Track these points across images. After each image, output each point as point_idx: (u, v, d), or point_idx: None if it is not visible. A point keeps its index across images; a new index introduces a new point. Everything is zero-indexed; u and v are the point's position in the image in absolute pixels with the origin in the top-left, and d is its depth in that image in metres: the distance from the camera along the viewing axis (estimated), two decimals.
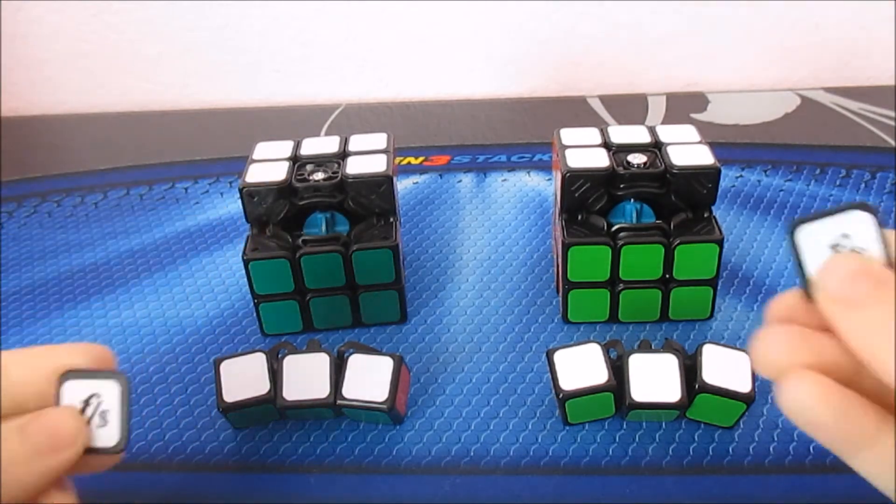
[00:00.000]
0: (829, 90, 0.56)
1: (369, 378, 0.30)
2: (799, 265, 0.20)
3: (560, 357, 0.30)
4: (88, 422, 0.22)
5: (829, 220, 0.20)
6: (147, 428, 0.31)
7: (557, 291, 0.37)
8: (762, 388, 0.29)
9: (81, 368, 0.22)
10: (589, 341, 0.31)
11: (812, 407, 0.19)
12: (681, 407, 0.29)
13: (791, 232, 0.20)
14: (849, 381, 0.19)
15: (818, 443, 0.19)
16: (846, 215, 0.19)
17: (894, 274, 0.19)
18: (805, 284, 0.20)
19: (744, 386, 0.28)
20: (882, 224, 0.19)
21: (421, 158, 0.50)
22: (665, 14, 0.56)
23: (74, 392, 0.22)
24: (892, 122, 0.51)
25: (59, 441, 0.21)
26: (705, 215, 0.33)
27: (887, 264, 0.19)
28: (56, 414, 0.22)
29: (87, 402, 0.22)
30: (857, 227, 0.19)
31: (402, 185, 0.47)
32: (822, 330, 0.19)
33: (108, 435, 0.22)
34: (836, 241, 0.19)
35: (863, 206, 0.19)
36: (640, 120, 0.53)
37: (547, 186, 0.46)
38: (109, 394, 0.22)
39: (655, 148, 0.34)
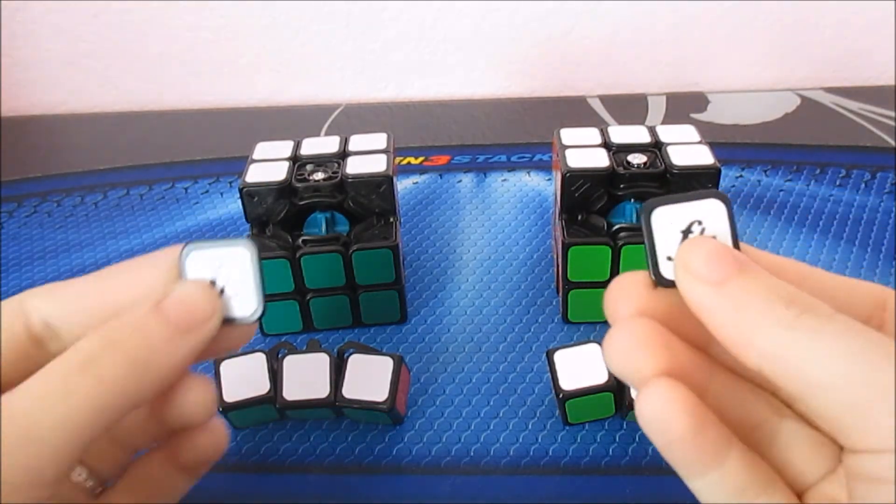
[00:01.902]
0: (829, 90, 0.56)
1: (369, 378, 0.30)
2: (650, 247, 0.19)
3: (560, 357, 0.30)
4: (221, 293, 0.21)
5: (684, 205, 0.19)
6: None
7: (557, 291, 0.37)
8: None
9: (203, 241, 0.21)
10: (589, 341, 0.31)
11: (669, 419, 0.17)
12: None
13: (647, 213, 0.19)
14: (701, 392, 0.18)
15: (664, 458, 0.18)
16: (701, 203, 0.19)
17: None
18: (654, 269, 0.19)
19: None
20: (734, 216, 0.19)
21: (421, 158, 0.50)
22: (665, 14, 0.56)
23: (199, 265, 0.21)
24: (892, 122, 0.51)
25: (198, 316, 0.20)
26: None
27: None
28: (189, 287, 0.20)
29: (216, 272, 0.21)
30: (711, 215, 0.19)
31: (402, 185, 0.47)
32: (666, 324, 0.19)
33: (243, 304, 0.21)
34: (687, 226, 0.19)
35: (718, 195, 0.19)
36: (640, 120, 0.53)
37: (547, 186, 0.46)
38: (238, 261, 0.21)
39: (655, 148, 0.34)
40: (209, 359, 0.22)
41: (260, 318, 0.21)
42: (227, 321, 0.21)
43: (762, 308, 0.17)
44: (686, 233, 0.19)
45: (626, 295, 0.19)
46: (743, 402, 0.19)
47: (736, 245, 0.19)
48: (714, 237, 0.19)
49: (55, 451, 0.17)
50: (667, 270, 0.19)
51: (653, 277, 0.19)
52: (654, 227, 0.19)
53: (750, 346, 0.17)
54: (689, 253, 0.19)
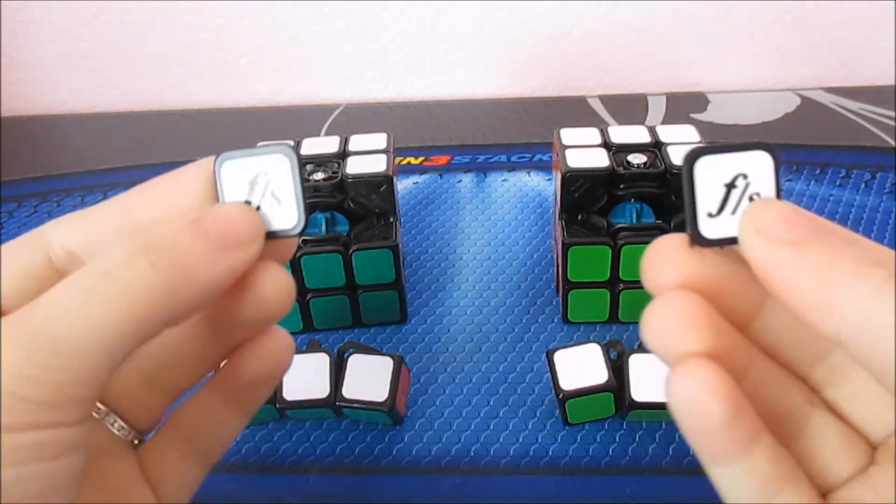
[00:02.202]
0: (829, 90, 0.56)
1: (369, 378, 0.30)
2: (690, 201, 0.18)
3: (560, 357, 0.30)
4: (259, 207, 0.19)
5: (728, 156, 0.18)
6: None
7: (557, 291, 0.37)
8: None
9: (237, 150, 0.20)
10: (589, 341, 0.31)
11: (705, 404, 0.16)
12: None
13: (689, 162, 0.18)
14: (739, 377, 0.17)
15: (690, 444, 0.17)
16: (746, 155, 0.18)
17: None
18: (693, 225, 0.18)
19: None
20: (780, 172, 0.18)
21: (421, 158, 0.50)
22: (665, 14, 0.56)
23: (235, 176, 0.20)
24: (892, 122, 0.51)
25: (240, 236, 0.18)
26: None
27: None
28: (228, 208, 0.19)
29: (254, 183, 0.19)
30: (756, 168, 0.18)
31: (402, 185, 0.47)
32: (708, 297, 0.17)
33: (284, 216, 0.19)
34: (732, 179, 0.18)
35: (765, 147, 0.18)
36: (640, 120, 0.53)
37: (547, 186, 0.46)
38: (278, 170, 0.19)
39: (655, 148, 0.34)
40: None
41: (302, 232, 0.20)
42: (268, 235, 0.19)
43: (849, 271, 0.15)
44: (730, 187, 0.18)
45: (669, 261, 0.18)
46: (777, 388, 0.18)
47: (779, 197, 0.18)
48: (758, 194, 0.18)
49: (80, 364, 0.16)
50: (707, 228, 0.18)
51: (690, 234, 0.18)
52: (697, 179, 0.18)
53: (831, 313, 0.15)
54: (761, 210, 0.17)
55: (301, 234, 0.20)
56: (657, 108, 0.55)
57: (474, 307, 0.37)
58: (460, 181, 0.47)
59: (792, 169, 0.47)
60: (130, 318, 0.16)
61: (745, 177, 0.18)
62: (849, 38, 0.57)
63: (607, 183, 0.33)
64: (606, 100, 0.57)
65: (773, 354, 0.19)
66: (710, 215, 0.18)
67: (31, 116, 0.60)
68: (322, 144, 0.36)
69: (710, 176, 0.18)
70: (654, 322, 0.17)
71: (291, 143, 0.20)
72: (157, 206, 0.19)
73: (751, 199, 0.18)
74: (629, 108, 0.55)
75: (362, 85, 0.60)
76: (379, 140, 0.36)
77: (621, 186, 0.33)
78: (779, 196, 0.18)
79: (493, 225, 0.43)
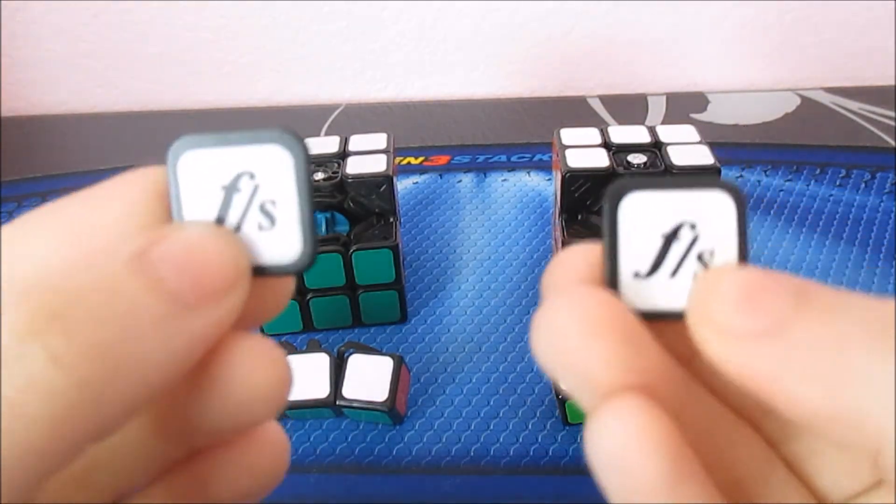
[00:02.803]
0: (829, 90, 0.56)
1: (369, 378, 0.30)
2: (610, 253, 0.13)
3: None
4: (238, 227, 0.13)
5: (672, 194, 0.13)
6: None
7: None
8: None
9: (206, 135, 0.13)
10: None
11: (639, 461, 0.11)
12: None
13: (613, 199, 0.13)
14: (674, 416, 0.12)
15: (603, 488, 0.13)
16: (699, 195, 0.13)
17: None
18: (612, 275, 0.13)
19: None
20: (745, 219, 0.13)
21: (421, 158, 0.50)
22: (665, 14, 0.56)
23: (202, 177, 0.13)
24: (892, 122, 0.51)
25: (211, 282, 0.12)
26: None
27: None
28: (193, 233, 0.12)
29: (231, 189, 0.13)
30: (711, 215, 0.13)
31: (402, 185, 0.47)
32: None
33: (279, 243, 0.13)
34: (673, 228, 0.13)
35: (726, 187, 0.13)
36: (640, 120, 0.53)
37: (547, 186, 0.46)
38: (273, 171, 0.13)
39: (655, 148, 0.34)
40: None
41: (309, 266, 0.13)
42: (256, 272, 0.13)
43: (855, 366, 0.11)
44: (670, 239, 0.13)
45: (578, 262, 0.13)
46: (728, 439, 0.14)
47: (743, 260, 0.13)
48: (711, 252, 0.13)
49: None
50: (632, 294, 0.13)
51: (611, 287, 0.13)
52: (622, 224, 0.13)
53: (826, 411, 0.11)
54: (713, 290, 0.12)
55: (306, 270, 0.13)
56: (657, 108, 0.55)
57: (474, 307, 0.37)
58: (460, 181, 0.47)
59: (792, 169, 0.47)
60: (28, 453, 0.10)
61: (692, 226, 0.13)
62: (849, 38, 0.57)
63: (607, 183, 0.33)
64: (606, 100, 0.57)
65: (717, 394, 0.15)
66: (638, 276, 0.13)
67: (31, 116, 0.60)
68: (322, 144, 0.36)
69: (641, 221, 0.13)
70: (548, 326, 0.13)
71: (290, 135, 0.13)
72: (79, 227, 0.13)
73: (700, 259, 0.13)
74: (629, 108, 0.55)
75: (362, 85, 0.60)
76: (379, 140, 0.36)
77: None
78: (743, 256, 0.13)
79: (493, 225, 0.43)
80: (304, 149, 0.13)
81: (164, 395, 0.13)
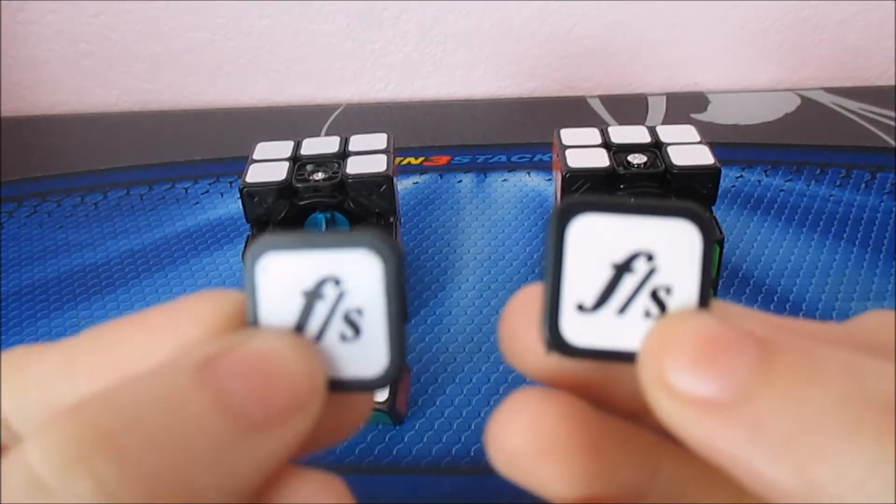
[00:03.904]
0: (829, 90, 0.56)
1: None
2: (552, 282, 0.12)
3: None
4: (319, 337, 0.12)
5: (628, 219, 0.11)
6: None
7: None
8: None
9: (287, 235, 0.12)
10: None
11: None
12: None
13: (559, 220, 0.11)
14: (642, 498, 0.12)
15: None
16: (659, 223, 0.11)
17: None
18: (549, 321, 0.12)
19: None
20: (710, 254, 0.11)
21: (421, 158, 0.50)
22: (665, 14, 0.56)
23: (282, 281, 0.12)
24: (892, 122, 0.51)
25: (285, 399, 0.11)
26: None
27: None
28: (268, 343, 0.11)
29: (314, 296, 0.12)
30: (671, 246, 0.11)
31: (402, 185, 0.47)
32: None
33: (363, 355, 0.12)
34: (625, 259, 0.11)
35: (692, 215, 0.11)
36: (640, 120, 0.53)
37: (547, 186, 0.46)
38: (362, 278, 0.12)
39: (655, 148, 0.34)
40: (312, 451, 0.12)
41: (395, 381, 0.13)
42: (334, 386, 0.12)
43: (816, 437, 0.10)
44: (621, 270, 0.11)
45: (532, 332, 0.12)
46: (697, 493, 0.13)
47: (704, 303, 0.12)
48: (668, 289, 0.11)
49: None
50: (574, 329, 0.12)
51: (546, 336, 0.12)
52: (569, 248, 0.11)
53: (793, 492, 0.10)
54: (669, 344, 0.11)
55: (390, 385, 0.13)
56: (657, 108, 0.55)
57: (474, 307, 0.37)
58: (460, 181, 0.47)
59: (792, 169, 0.47)
60: None
61: (649, 257, 0.11)
62: (849, 38, 0.57)
63: (607, 183, 0.33)
64: (606, 100, 0.57)
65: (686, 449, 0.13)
66: (582, 308, 0.12)
67: (31, 116, 0.60)
68: (322, 144, 0.36)
69: (591, 247, 0.11)
70: (500, 444, 0.12)
71: (381, 239, 0.12)
72: (145, 348, 0.12)
73: (654, 296, 0.12)
74: (629, 108, 0.55)
75: (362, 85, 0.60)
76: (379, 140, 0.36)
77: (621, 186, 0.33)
78: (704, 299, 0.11)
79: (493, 225, 0.43)
80: (397, 255, 0.12)
81: None
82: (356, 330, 0.12)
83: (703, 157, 0.33)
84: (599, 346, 0.12)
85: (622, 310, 0.12)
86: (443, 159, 0.50)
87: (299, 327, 0.12)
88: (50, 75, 0.60)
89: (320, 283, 0.12)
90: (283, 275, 0.12)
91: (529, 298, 0.12)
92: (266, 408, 0.10)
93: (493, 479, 0.28)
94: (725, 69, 0.59)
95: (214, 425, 0.10)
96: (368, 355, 0.12)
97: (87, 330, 0.12)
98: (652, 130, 0.35)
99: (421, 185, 0.47)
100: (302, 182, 0.33)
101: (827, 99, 0.55)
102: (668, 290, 0.11)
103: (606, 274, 0.11)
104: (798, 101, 0.55)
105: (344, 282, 0.12)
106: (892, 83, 0.57)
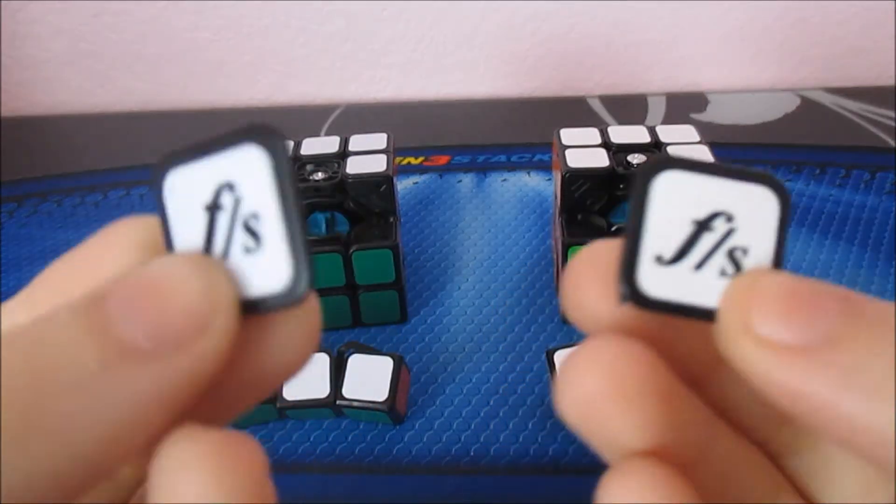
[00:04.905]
0: (829, 90, 0.56)
1: (369, 378, 0.30)
2: (633, 233, 0.12)
3: (560, 357, 0.30)
4: (226, 253, 0.11)
5: (711, 180, 0.12)
6: None
7: (557, 292, 0.37)
8: None
9: (189, 147, 0.11)
10: None
11: None
12: None
13: (647, 174, 0.12)
14: (699, 462, 0.12)
15: None
16: (741, 186, 0.12)
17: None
18: (626, 270, 0.12)
19: None
20: (787, 222, 0.12)
21: (421, 158, 0.50)
22: (665, 14, 0.56)
23: (189, 197, 0.11)
24: (892, 122, 0.51)
25: (168, 324, 0.10)
26: None
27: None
28: (149, 269, 0.10)
29: (214, 207, 0.11)
30: (751, 209, 0.12)
31: (402, 185, 0.47)
32: (651, 334, 0.12)
33: (266, 266, 0.11)
34: (707, 216, 0.12)
35: (772, 183, 0.12)
36: (640, 120, 0.53)
37: (547, 186, 0.46)
38: (252, 178, 0.11)
39: (655, 148, 0.34)
40: (253, 399, 0.12)
41: (305, 294, 0.10)
42: (248, 308, 0.11)
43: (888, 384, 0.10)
44: (702, 227, 0.12)
45: (597, 282, 0.12)
46: (744, 474, 0.13)
47: (778, 266, 0.12)
48: (745, 250, 0.12)
49: None
50: (652, 280, 0.12)
51: (621, 288, 0.12)
52: (652, 200, 0.12)
53: (871, 437, 0.10)
54: (753, 294, 0.11)
55: (300, 301, 0.11)
56: (657, 108, 0.55)
57: (474, 307, 0.37)
58: (460, 181, 0.47)
59: (792, 169, 0.47)
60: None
61: (729, 218, 0.12)
62: (849, 38, 0.57)
63: (607, 183, 0.33)
64: (606, 100, 0.57)
65: (728, 417, 0.14)
66: (661, 260, 0.12)
67: (31, 116, 0.60)
68: (322, 144, 0.36)
69: (674, 201, 0.12)
70: (574, 389, 0.11)
71: (268, 133, 0.11)
72: (74, 281, 0.12)
73: (731, 255, 0.12)
74: (629, 108, 0.55)
75: (362, 85, 0.60)
76: (379, 140, 0.36)
77: (621, 186, 0.33)
78: (778, 262, 0.12)
79: (493, 225, 0.43)
80: (281, 144, 0.11)
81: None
82: (257, 239, 0.11)
83: (702, 157, 0.33)
84: (675, 299, 0.12)
85: (699, 266, 0.12)
86: (443, 159, 0.50)
87: (207, 246, 0.11)
88: (50, 75, 0.60)
89: (217, 193, 0.11)
90: (185, 191, 0.11)
91: (598, 252, 0.12)
92: (155, 333, 0.10)
93: (494, 479, 0.29)
94: (725, 69, 0.59)
95: (87, 357, 0.10)
96: (272, 266, 0.10)
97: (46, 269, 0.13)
98: (652, 130, 0.35)
99: (421, 185, 0.47)
100: (302, 182, 0.33)
101: (827, 99, 0.55)
102: (745, 252, 0.12)
103: (687, 230, 0.12)
104: (798, 101, 0.55)
105: (237, 186, 0.11)
106: (892, 83, 0.57)
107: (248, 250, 0.11)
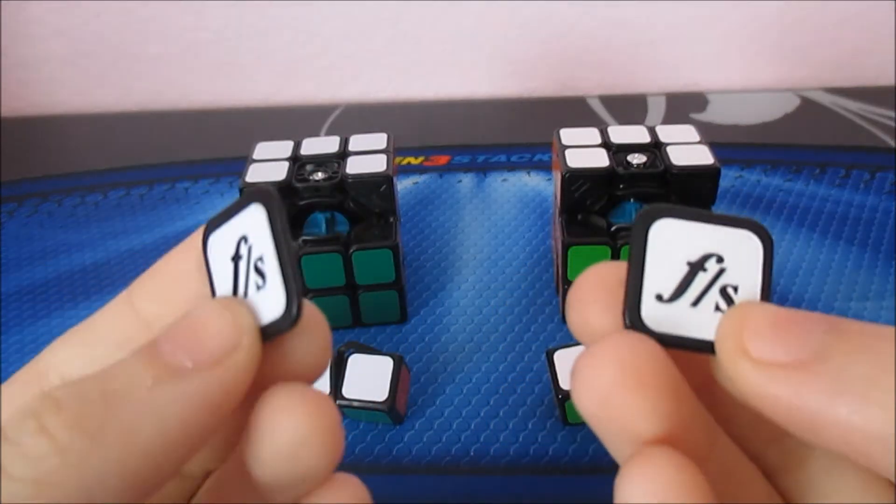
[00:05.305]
0: (829, 90, 0.56)
1: (369, 378, 0.30)
2: (636, 273, 0.13)
3: (560, 357, 0.30)
4: (246, 292, 0.14)
5: (701, 226, 0.13)
6: None
7: (557, 291, 0.37)
8: None
9: (223, 211, 0.14)
10: None
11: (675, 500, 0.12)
12: None
13: (644, 222, 0.13)
14: (702, 463, 0.13)
15: None
16: (727, 231, 0.13)
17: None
18: (632, 306, 0.13)
19: None
20: (771, 263, 0.13)
21: (421, 158, 0.50)
22: (665, 14, 0.56)
23: (223, 252, 0.14)
24: (892, 122, 0.51)
25: (203, 348, 0.13)
26: None
27: None
28: (190, 313, 0.13)
29: (237, 258, 0.14)
30: (738, 252, 0.13)
31: (402, 185, 0.47)
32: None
33: (269, 299, 0.13)
34: (699, 258, 0.13)
35: (755, 228, 0.13)
36: (640, 120, 0.53)
37: (547, 186, 0.46)
38: (257, 230, 0.13)
39: (655, 148, 0.34)
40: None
41: (296, 319, 0.13)
42: (266, 333, 0.13)
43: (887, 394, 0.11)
44: (695, 268, 0.13)
45: (608, 294, 0.14)
46: (738, 480, 0.14)
47: (766, 300, 0.14)
48: (735, 288, 0.13)
49: None
50: (653, 316, 0.13)
51: (629, 321, 0.13)
52: (651, 246, 0.13)
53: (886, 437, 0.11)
54: (745, 320, 0.13)
55: (294, 324, 0.13)
56: (657, 108, 0.55)
57: (474, 307, 0.37)
58: (460, 181, 0.47)
59: (792, 169, 0.47)
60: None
61: (719, 259, 0.13)
62: (849, 38, 0.57)
63: (607, 183, 0.33)
64: (606, 100, 0.57)
65: (732, 428, 0.15)
66: (661, 299, 0.13)
67: (31, 116, 0.60)
68: (322, 144, 0.36)
69: (669, 246, 0.13)
70: (594, 382, 0.13)
71: (266, 191, 0.14)
72: (160, 303, 0.15)
73: (723, 293, 0.13)
74: (629, 108, 0.55)
75: (362, 85, 0.60)
76: (379, 140, 0.36)
77: (621, 186, 0.33)
78: (766, 297, 0.13)
79: (493, 225, 0.43)
80: (275, 201, 0.13)
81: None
82: (263, 277, 0.13)
83: (702, 156, 0.33)
84: (676, 333, 0.13)
85: (696, 303, 0.13)
86: (443, 159, 0.50)
87: (235, 289, 0.14)
88: (50, 75, 0.60)
89: (238, 246, 0.14)
90: (218, 249, 0.14)
91: (601, 272, 0.14)
92: (193, 356, 0.13)
93: (494, 479, 0.29)
94: (725, 69, 0.59)
95: (144, 377, 0.13)
96: (273, 298, 0.13)
97: (121, 295, 0.16)
98: (651, 130, 0.35)
99: (421, 185, 0.47)
100: (302, 182, 0.33)
101: (827, 99, 0.55)
102: (735, 289, 0.13)
103: (682, 270, 0.13)
104: (798, 101, 0.55)
105: (249, 237, 0.14)
106: (892, 83, 0.57)
107: (258, 287, 0.13)
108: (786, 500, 0.15)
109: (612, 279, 0.14)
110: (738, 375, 0.12)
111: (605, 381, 0.12)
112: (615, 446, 0.13)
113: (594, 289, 0.14)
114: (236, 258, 0.14)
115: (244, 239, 0.14)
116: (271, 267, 0.13)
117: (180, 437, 0.12)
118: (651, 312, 0.13)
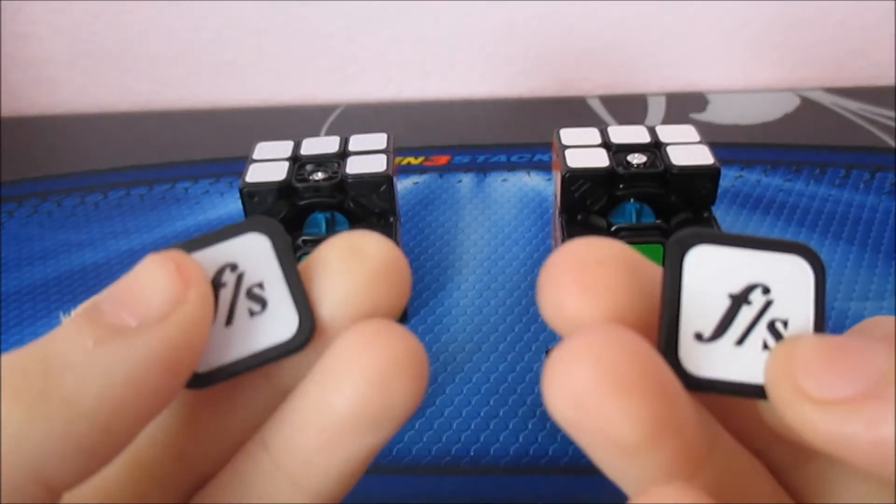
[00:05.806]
0: (829, 90, 0.56)
1: None
2: (670, 310, 0.12)
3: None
4: (230, 320, 0.13)
5: (741, 252, 0.12)
6: None
7: None
8: None
9: (200, 236, 0.14)
10: None
11: None
12: None
13: (677, 250, 0.12)
14: (700, 465, 0.12)
15: None
16: (773, 257, 0.12)
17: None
18: (668, 348, 0.12)
19: None
20: (823, 290, 0.12)
21: (421, 158, 0.50)
22: (664, 14, 0.56)
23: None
24: (892, 122, 0.51)
25: (145, 304, 0.12)
26: (705, 215, 0.33)
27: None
28: (133, 272, 0.13)
29: (218, 282, 0.13)
30: (786, 280, 0.12)
31: (402, 185, 0.47)
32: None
33: (275, 322, 0.13)
34: (742, 290, 0.12)
35: (805, 252, 0.12)
36: (640, 120, 0.53)
37: (547, 186, 0.46)
38: (255, 258, 0.13)
39: (655, 148, 0.34)
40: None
41: (309, 339, 0.13)
42: (267, 356, 0.13)
43: None
44: (738, 301, 0.12)
45: (585, 275, 0.12)
46: (742, 481, 0.13)
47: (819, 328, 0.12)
48: (785, 322, 0.12)
49: None
50: (693, 359, 0.12)
51: (664, 344, 0.12)
52: (687, 277, 0.12)
53: None
54: (800, 358, 0.11)
55: (305, 344, 0.13)
56: (657, 108, 0.55)
57: (474, 307, 0.37)
58: (460, 181, 0.47)
59: (792, 169, 0.47)
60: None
61: (765, 290, 0.12)
62: (849, 38, 0.57)
63: (607, 183, 0.33)
64: (606, 100, 0.57)
65: (732, 428, 0.14)
66: (700, 338, 0.12)
67: (31, 116, 0.60)
68: (322, 144, 0.36)
69: (708, 277, 0.12)
70: (565, 381, 0.11)
71: (266, 220, 0.14)
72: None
73: (771, 328, 0.12)
74: (629, 108, 0.55)
75: (362, 85, 0.60)
76: (379, 140, 0.36)
77: (621, 186, 0.33)
78: (819, 330, 0.12)
79: (493, 225, 0.43)
80: (279, 229, 0.14)
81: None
82: (262, 303, 0.13)
83: (702, 156, 0.33)
84: (721, 377, 0.12)
85: (741, 341, 0.12)
86: (443, 159, 0.50)
87: (214, 316, 0.13)
88: (50, 75, 0.60)
89: (220, 272, 0.13)
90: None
91: (578, 249, 0.12)
92: (137, 314, 0.12)
93: (494, 479, 0.29)
94: (725, 69, 0.59)
95: (84, 339, 0.12)
96: (280, 320, 0.13)
97: None
98: (651, 130, 0.35)
99: (421, 185, 0.47)
100: (302, 182, 0.33)
101: (827, 99, 0.55)
102: (785, 324, 0.12)
103: (724, 304, 0.12)
104: (798, 101, 0.55)
105: (240, 265, 0.13)
106: (892, 83, 0.57)
107: (251, 313, 0.13)
108: (794, 498, 0.14)
109: (589, 257, 0.12)
110: (801, 420, 0.11)
111: (579, 383, 0.11)
112: (597, 455, 0.12)
113: (570, 268, 0.12)
114: (217, 285, 0.13)
115: (231, 267, 0.13)
116: (278, 290, 0.13)
117: (131, 398, 0.12)
118: (690, 354, 0.12)
